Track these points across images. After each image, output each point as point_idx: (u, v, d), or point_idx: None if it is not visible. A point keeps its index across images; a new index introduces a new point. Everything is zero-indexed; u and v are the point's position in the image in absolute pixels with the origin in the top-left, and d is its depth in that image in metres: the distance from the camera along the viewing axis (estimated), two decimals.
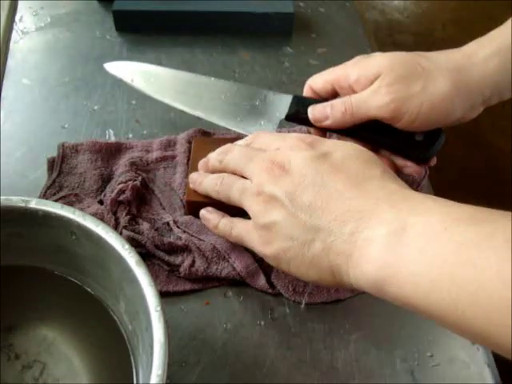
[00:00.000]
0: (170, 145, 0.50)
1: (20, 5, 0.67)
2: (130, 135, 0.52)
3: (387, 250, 0.29)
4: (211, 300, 0.41)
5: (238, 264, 0.41)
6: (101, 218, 0.43)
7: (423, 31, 1.76)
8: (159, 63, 0.60)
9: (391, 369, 0.38)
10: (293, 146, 0.36)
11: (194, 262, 0.42)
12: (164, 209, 0.46)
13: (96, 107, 0.55)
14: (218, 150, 0.42)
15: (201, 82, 0.48)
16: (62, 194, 0.46)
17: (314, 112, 0.44)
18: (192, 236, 0.43)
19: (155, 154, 0.49)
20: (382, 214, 0.31)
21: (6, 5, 0.66)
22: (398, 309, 0.39)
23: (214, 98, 0.45)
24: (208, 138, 0.51)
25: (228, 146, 0.41)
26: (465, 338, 0.28)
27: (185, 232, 0.43)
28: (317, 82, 0.46)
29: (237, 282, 0.42)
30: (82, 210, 0.39)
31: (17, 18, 0.65)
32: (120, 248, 0.31)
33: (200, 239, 0.43)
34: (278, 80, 0.59)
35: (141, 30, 0.64)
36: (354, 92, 0.43)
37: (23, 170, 0.49)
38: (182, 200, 0.46)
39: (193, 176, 0.43)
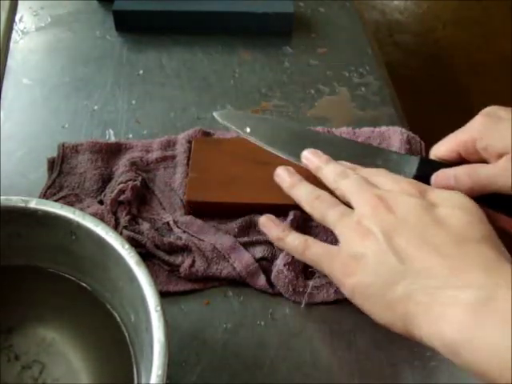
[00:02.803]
0: (169, 145, 0.50)
1: (20, 5, 0.67)
2: (130, 135, 0.52)
3: (470, 315, 0.29)
4: (211, 300, 0.41)
5: (238, 264, 0.41)
6: (101, 218, 0.43)
7: (423, 31, 1.76)
8: (159, 63, 0.60)
9: (391, 369, 0.38)
10: (404, 190, 0.37)
11: (194, 261, 0.42)
12: (164, 209, 0.46)
13: (96, 107, 0.55)
14: (337, 171, 0.40)
15: (320, 137, 0.47)
16: (62, 194, 0.46)
17: (437, 181, 0.41)
18: (192, 236, 0.43)
19: (155, 154, 0.49)
20: (474, 278, 0.30)
21: (5, 5, 0.66)
22: None
23: (334, 154, 0.43)
24: (208, 137, 0.51)
25: (348, 170, 0.40)
26: None
27: (185, 232, 0.43)
28: (441, 151, 0.43)
29: (237, 282, 0.42)
30: (81, 210, 0.39)
31: (17, 17, 0.65)
32: (120, 248, 0.31)
33: (200, 239, 0.43)
34: (278, 80, 0.59)
35: (141, 30, 0.64)
36: (482, 158, 0.40)
37: (23, 170, 0.49)
38: (182, 200, 0.46)
39: (281, 173, 0.42)
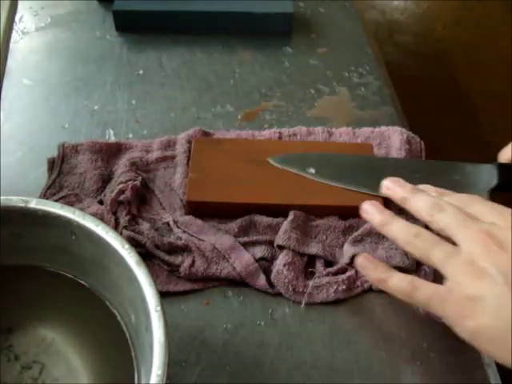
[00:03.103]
0: (169, 145, 0.50)
1: (20, 5, 0.67)
2: (130, 135, 0.52)
3: None
4: (211, 300, 0.41)
5: (238, 264, 0.41)
6: (101, 217, 0.43)
7: (423, 31, 1.76)
8: (159, 63, 0.60)
9: (391, 369, 0.38)
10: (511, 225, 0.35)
11: (194, 262, 0.42)
12: (164, 209, 0.46)
13: (96, 107, 0.55)
14: (430, 202, 0.38)
15: (386, 163, 0.46)
16: (62, 194, 0.46)
17: None
18: (192, 236, 0.43)
19: (155, 154, 0.49)
20: None
21: (5, 5, 0.66)
22: (397, 309, 0.39)
23: (407, 177, 0.41)
24: (208, 138, 0.51)
25: (442, 203, 0.38)
26: None
27: (185, 232, 0.43)
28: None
29: (237, 282, 0.42)
30: (81, 210, 0.39)
31: (17, 17, 0.65)
32: (120, 248, 0.31)
33: (200, 239, 0.43)
34: (278, 80, 0.59)
35: (141, 30, 0.64)
36: None
37: (23, 170, 0.49)
38: (182, 200, 0.46)
39: (369, 209, 0.39)
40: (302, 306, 0.41)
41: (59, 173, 0.47)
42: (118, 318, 0.34)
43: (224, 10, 0.63)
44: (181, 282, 0.42)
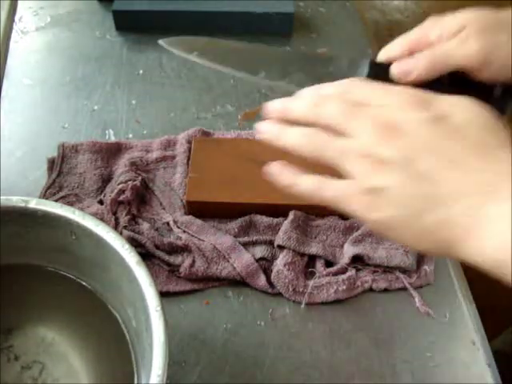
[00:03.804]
0: (169, 145, 0.50)
1: (20, 5, 0.67)
2: (130, 135, 0.52)
3: None
4: (211, 300, 0.41)
5: (238, 264, 0.41)
6: (101, 218, 0.43)
7: None
8: (159, 63, 0.60)
9: (391, 369, 0.38)
10: (403, 103, 0.33)
11: (194, 261, 0.42)
12: (164, 209, 0.46)
13: (96, 107, 0.55)
14: (309, 99, 0.36)
15: (271, 51, 0.46)
16: (61, 194, 0.46)
17: (398, 67, 0.40)
18: (192, 236, 0.43)
19: (155, 154, 0.49)
20: (508, 188, 0.29)
21: (5, 5, 0.66)
22: (398, 309, 0.39)
23: (285, 65, 0.42)
24: (208, 137, 0.51)
25: (321, 98, 0.35)
26: None
27: (185, 232, 0.43)
28: (393, 50, 0.41)
29: (237, 282, 0.42)
30: (81, 210, 0.39)
31: (17, 17, 0.65)
32: (120, 248, 0.31)
33: (200, 239, 0.43)
34: None
35: (141, 30, 0.63)
36: None
37: (23, 170, 0.49)
38: (182, 200, 0.46)
39: (264, 127, 0.37)
40: (302, 305, 0.41)
41: (59, 173, 0.47)
42: (118, 318, 0.34)
43: (224, 9, 0.63)
44: (181, 282, 0.42)
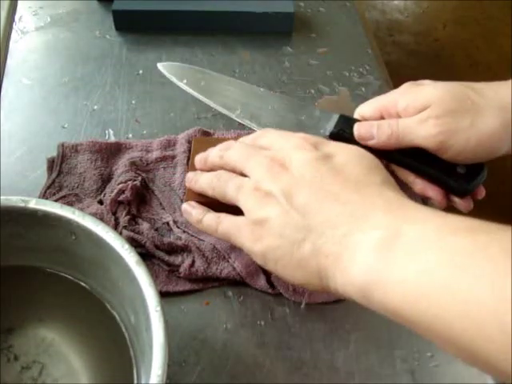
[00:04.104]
0: (169, 145, 0.50)
1: (19, 4, 0.67)
2: (130, 135, 0.52)
3: (376, 254, 0.29)
4: (211, 300, 0.41)
5: (238, 264, 0.41)
6: (101, 218, 0.43)
7: (423, 31, 1.76)
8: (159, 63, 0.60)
9: (391, 369, 0.38)
10: (296, 145, 0.36)
11: (193, 262, 0.42)
12: (164, 209, 0.46)
13: (96, 107, 0.55)
14: (220, 146, 0.41)
15: (251, 90, 0.50)
16: (61, 193, 0.46)
17: (359, 129, 0.43)
18: (192, 236, 0.43)
19: (155, 154, 0.49)
20: (377, 219, 0.30)
21: (5, 5, 0.66)
22: None
23: (262, 107, 0.45)
24: (208, 137, 0.51)
25: (230, 142, 0.40)
26: (451, 352, 0.27)
27: (185, 232, 0.43)
28: (365, 110, 0.45)
29: (237, 282, 0.42)
30: (81, 210, 0.39)
31: (16, 17, 0.65)
32: (120, 248, 0.31)
33: (200, 239, 0.43)
34: (278, 80, 0.59)
35: (141, 30, 0.63)
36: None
37: (23, 170, 0.49)
38: (182, 200, 0.46)
39: (189, 175, 0.42)
40: (302, 305, 0.41)
41: (59, 173, 0.47)
42: (118, 318, 0.34)
43: (224, 9, 0.63)
44: (181, 282, 0.42)
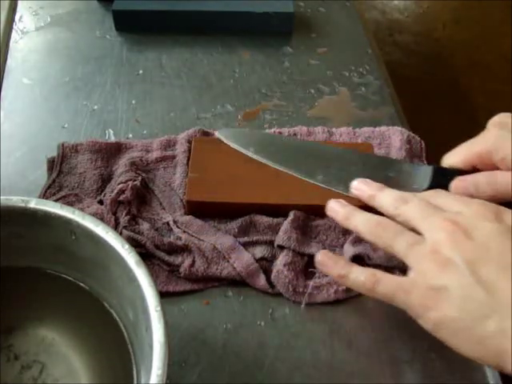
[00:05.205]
0: (169, 145, 0.50)
1: (20, 4, 0.67)
2: (130, 135, 0.52)
3: None
4: (211, 300, 0.41)
5: (238, 264, 0.41)
6: (101, 218, 0.43)
7: (423, 31, 1.76)
8: (159, 63, 0.60)
9: (391, 369, 0.38)
10: (478, 213, 0.34)
11: (194, 262, 0.42)
12: (164, 209, 0.46)
13: (96, 107, 0.55)
14: (394, 196, 0.38)
15: (328, 152, 0.46)
16: (61, 193, 0.46)
17: (457, 189, 0.40)
18: (192, 236, 0.43)
19: (155, 154, 0.49)
20: None
21: (5, 4, 0.66)
22: (397, 309, 0.39)
23: (343, 168, 0.43)
24: (208, 137, 0.51)
25: (406, 195, 0.38)
26: None
27: (185, 232, 0.43)
28: (455, 162, 0.42)
29: (237, 282, 0.42)
30: (81, 210, 0.39)
31: (16, 17, 0.65)
32: (120, 248, 0.31)
33: (200, 239, 0.43)
34: (278, 80, 0.59)
35: (141, 30, 0.63)
36: (498, 168, 0.40)
37: (23, 170, 0.49)
38: (182, 200, 0.46)
39: (333, 206, 0.40)
40: (302, 306, 0.41)
41: (59, 173, 0.47)
42: (118, 318, 0.34)
43: (224, 9, 0.63)
44: (181, 282, 0.42)
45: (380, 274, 0.35)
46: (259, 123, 0.54)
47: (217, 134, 0.48)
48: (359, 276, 0.36)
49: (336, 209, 0.40)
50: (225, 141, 0.47)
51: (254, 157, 0.46)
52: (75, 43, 0.62)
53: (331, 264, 0.38)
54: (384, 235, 0.36)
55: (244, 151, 0.46)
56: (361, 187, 0.41)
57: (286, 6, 0.63)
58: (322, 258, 0.39)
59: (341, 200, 0.41)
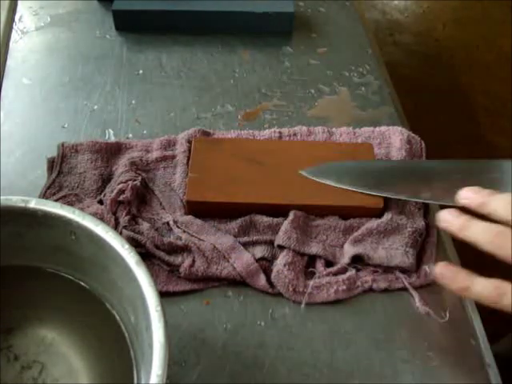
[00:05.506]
0: (169, 145, 0.50)
1: (20, 4, 0.67)
2: (130, 135, 0.52)
3: None
4: (211, 300, 0.41)
5: (238, 264, 0.41)
6: (101, 217, 0.43)
7: (423, 31, 1.76)
8: (159, 63, 0.60)
9: (391, 369, 0.38)
10: None
11: (194, 262, 0.42)
12: (164, 209, 0.46)
13: (96, 107, 0.55)
14: (510, 200, 0.35)
15: (423, 166, 0.45)
16: (61, 193, 0.46)
17: None
18: (192, 236, 0.43)
19: (155, 154, 0.49)
20: None
21: (5, 5, 0.66)
22: (397, 309, 0.39)
23: (444, 178, 0.41)
24: (208, 137, 0.51)
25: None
26: None
27: (185, 232, 0.43)
28: None
29: (237, 282, 0.42)
30: (81, 209, 0.39)
31: (16, 17, 0.65)
32: (120, 248, 0.31)
33: (200, 239, 0.43)
34: (278, 80, 0.59)
35: (141, 30, 0.63)
36: None
37: (23, 170, 0.49)
38: (182, 200, 0.46)
39: (446, 217, 0.38)
40: (302, 305, 0.41)
41: (59, 173, 0.47)
42: (118, 318, 0.34)
43: (224, 9, 0.63)
44: (181, 281, 0.42)
45: (505, 286, 0.34)
46: (259, 123, 0.54)
47: (303, 173, 0.46)
48: (484, 289, 0.34)
49: (449, 220, 0.37)
50: (311, 177, 0.46)
51: (350, 189, 0.45)
52: (75, 43, 0.62)
53: (452, 276, 0.36)
54: (505, 245, 0.34)
55: (338, 186, 0.45)
56: (469, 196, 0.38)
57: (286, 5, 0.63)
58: (442, 270, 0.37)
59: (453, 210, 0.38)
